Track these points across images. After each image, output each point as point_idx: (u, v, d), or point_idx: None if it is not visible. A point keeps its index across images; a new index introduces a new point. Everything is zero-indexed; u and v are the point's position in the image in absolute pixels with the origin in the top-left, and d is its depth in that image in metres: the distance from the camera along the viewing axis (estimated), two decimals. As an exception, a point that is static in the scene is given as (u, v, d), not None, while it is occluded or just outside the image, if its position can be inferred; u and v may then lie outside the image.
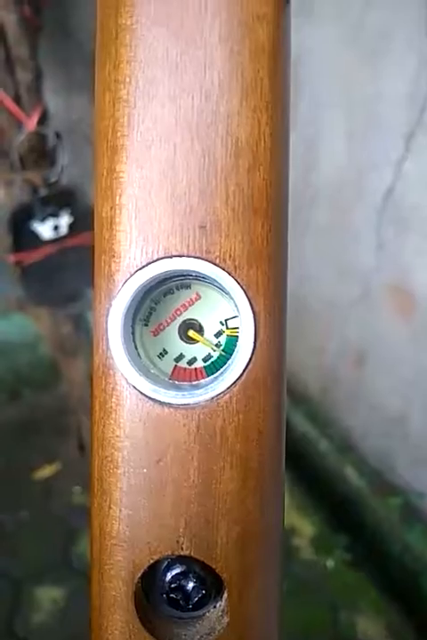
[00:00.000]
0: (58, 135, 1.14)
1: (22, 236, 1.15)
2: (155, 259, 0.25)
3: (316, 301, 1.48)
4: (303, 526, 1.39)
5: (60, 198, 1.17)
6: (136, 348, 0.27)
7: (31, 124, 1.09)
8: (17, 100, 1.07)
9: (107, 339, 0.26)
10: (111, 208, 0.25)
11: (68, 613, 1.18)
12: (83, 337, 1.31)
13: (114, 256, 0.25)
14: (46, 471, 1.48)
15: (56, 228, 1.18)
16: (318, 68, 1.28)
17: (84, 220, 1.19)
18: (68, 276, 1.21)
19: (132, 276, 0.25)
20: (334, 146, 1.28)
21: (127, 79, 0.24)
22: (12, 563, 1.27)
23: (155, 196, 0.25)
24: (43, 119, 1.12)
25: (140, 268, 0.25)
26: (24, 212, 1.14)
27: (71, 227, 1.20)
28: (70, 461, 1.48)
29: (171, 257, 0.25)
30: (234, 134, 0.24)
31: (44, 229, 1.17)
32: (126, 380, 0.26)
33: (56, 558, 1.29)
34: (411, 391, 1.26)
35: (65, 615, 1.18)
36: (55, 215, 1.17)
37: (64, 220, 1.19)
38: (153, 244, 0.25)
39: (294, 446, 1.56)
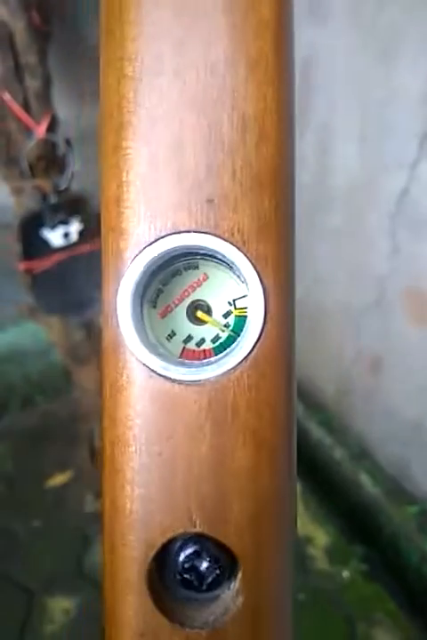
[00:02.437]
0: (68, 142, 1.14)
1: (32, 244, 1.15)
2: (163, 234, 0.25)
3: (330, 307, 1.46)
4: (318, 536, 1.36)
5: (71, 205, 1.17)
6: (144, 329, 0.27)
7: (40, 131, 1.08)
8: (26, 107, 1.06)
9: (116, 316, 0.26)
10: (118, 186, 0.25)
11: (81, 624, 1.17)
12: (94, 345, 1.30)
13: (122, 234, 0.25)
14: (59, 479, 1.47)
15: (66, 235, 1.17)
16: (330, 70, 1.27)
17: (94, 227, 1.18)
18: (78, 284, 1.20)
19: (140, 252, 0.25)
20: (347, 149, 1.26)
21: (132, 56, 0.24)
22: (24, 572, 1.27)
23: (162, 172, 0.25)
24: (52, 126, 1.11)
25: (148, 245, 0.25)
26: (34, 220, 1.14)
27: (81, 234, 1.19)
28: (83, 469, 1.47)
29: (179, 232, 0.25)
30: (240, 109, 0.24)
31: (55, 237, 1.16)
32: (136, 357, 0.25)
33: (68, 568, 1.28)
34: (428, 398, 1.23)
35: (77, 626, 1.17)
36: (65, 222, 1.17)
37: (74, 228, 1.18)
38: (161, 220, 0.25)
39: (309, 454, 1.54)
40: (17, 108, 1.05)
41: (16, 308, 1.39)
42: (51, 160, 1.13)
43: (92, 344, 1.32)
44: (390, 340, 1.30)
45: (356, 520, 1.40)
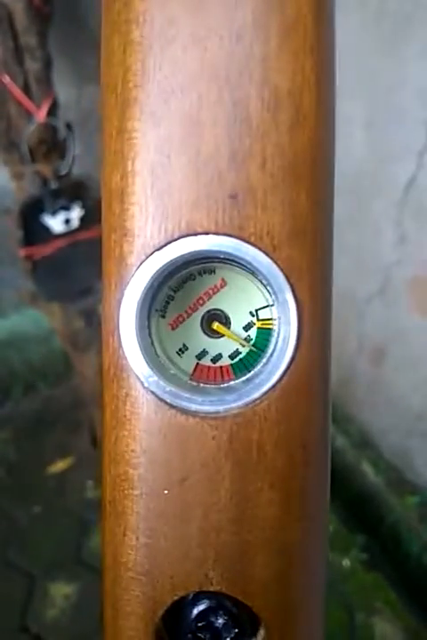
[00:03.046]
0: (69, 126, 1.11)
1: (33, 230, 1.13)
2: (175, 237, 0.21)
3: (334, 294, 1.44)
4: (319, 524, 1.36)
5: (72, 191, 1.15)
6: (152, 343, 0.23)
7: (41, 114, 1.06)
8: (26, 90, 1.04)
9: (118, 334, 0.22)
10: (122, 177, 0.21)
11: (81, 609, 1.17)
12: (94, 332, 1.29)
13: (126, 234, 0.21)
14: (60, 465, 1.47)
15: (67, 221, 1.16)
16: (337, 55, 1.24)
17: (95, 213, 1.17)
18: (79, 271, 1.19)
19: (147, 257, 0.21)
20: (353, 136, 1.23)
21: (141, 18, 0.20)
22: (25, 558, 1.27)
23: (175, 159, 0.20)
24: (53, 110, 1.09)
25: (157, 249, 0.21)
26: (34, 206, 1.12)
27: (82, 220, 1.17)
28: (84, 455, 1.47)
29: (195, 235, 0.21)
30: (272, 83, 0.20)
31: (55, 223, 1.15)
32: (142, 383, 0.21)
33: (69, 553, 1.28)
34: (432, 389, 1.22)
35: (78, 611, 1.17)
36: (66, 208, 1.15)
37: (75, 213, 1.16)
38: (173, 219, 0.21)
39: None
40: (17, 92, 1.03)
41: (17, 294, 1.38)
42: (51, 144, 1.11)
43: (91, 332, 1.31)
44: (394, 329, 1.29)
45: (357, 509, 1.39)
